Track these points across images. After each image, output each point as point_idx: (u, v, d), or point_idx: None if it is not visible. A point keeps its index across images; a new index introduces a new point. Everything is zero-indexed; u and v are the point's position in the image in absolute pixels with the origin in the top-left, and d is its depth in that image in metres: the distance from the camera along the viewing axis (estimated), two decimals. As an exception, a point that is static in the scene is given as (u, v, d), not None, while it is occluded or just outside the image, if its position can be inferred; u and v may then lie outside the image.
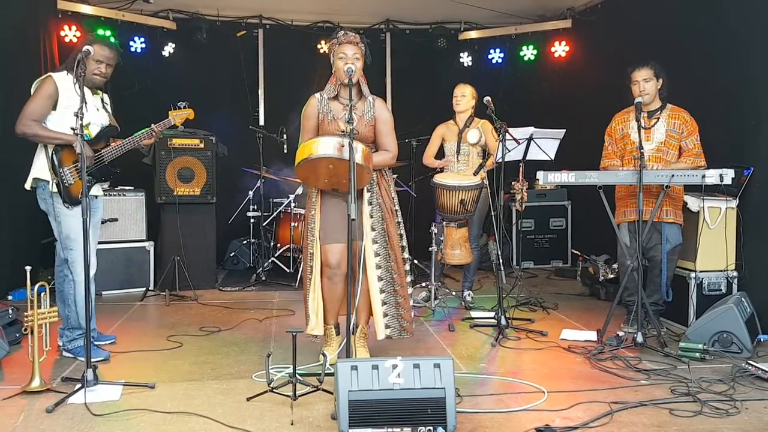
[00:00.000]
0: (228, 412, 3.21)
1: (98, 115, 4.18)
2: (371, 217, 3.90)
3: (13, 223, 5.56)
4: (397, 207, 4.07)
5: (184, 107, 4.49)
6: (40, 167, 4.02)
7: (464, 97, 5.53)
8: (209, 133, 6.28)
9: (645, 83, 4.57)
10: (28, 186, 4.07)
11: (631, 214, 4.64)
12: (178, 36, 7.32)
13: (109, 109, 4.31)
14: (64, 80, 3.98)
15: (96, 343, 4.23)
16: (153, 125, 4.30)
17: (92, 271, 3.96)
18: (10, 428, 3.04)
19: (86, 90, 3.94)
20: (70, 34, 6.53)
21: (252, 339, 4.60)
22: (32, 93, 3.99)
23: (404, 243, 4.08)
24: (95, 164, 4.08)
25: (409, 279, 4.06)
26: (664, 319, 4.83)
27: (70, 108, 3.80)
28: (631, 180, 4.40)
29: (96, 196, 4.28)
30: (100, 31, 6.66)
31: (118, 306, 5.58)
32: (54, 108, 3.96)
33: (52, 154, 3.95)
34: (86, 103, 3.74)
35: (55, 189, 3.95)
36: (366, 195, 3.90)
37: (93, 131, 4.13)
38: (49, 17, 6.43)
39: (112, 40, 6.42)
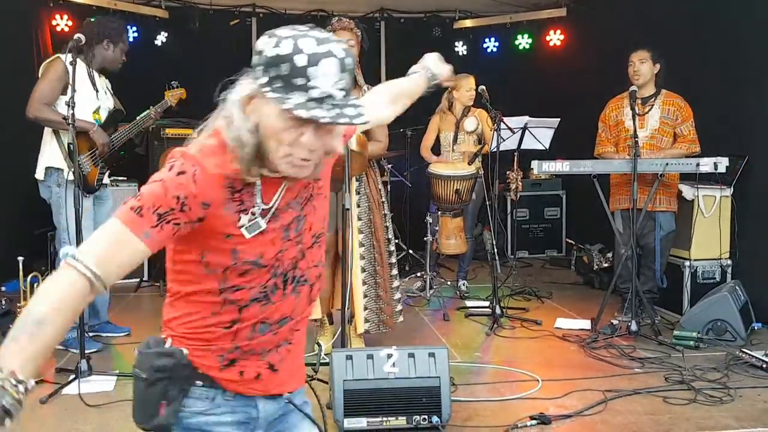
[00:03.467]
0: (223, 402, 3.20)
1: (106, 99, 4.18)
2: (358, 206, 3.88)
3: (5, 213, 5.52)
4: (383, 199, 4.03)
5: (177, 86, 4.57)
6: (53, 155, 3.93)
7: (475, 89, 5.44)
8: (203, 122, 6.23)
9: (640, 64, 4.56)
10: (41, 176, 3.96)
11: (624, 202, 4.64)
12: (170, 25, 7.24)
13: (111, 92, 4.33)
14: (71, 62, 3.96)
15: (107, 334, 4.27)
16: (152, 108, 4.33)
17: None
18: (4, 419, 3.02)
19: (95, 74, 4.04)
20: (62, 23, 6.46)
21: (247, 329, 4.59)
22: (40, 75, 3.94)
23: (390, 235, 4.05)
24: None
25: (394, 272, 4.03)
26: (658, 307, 4.84)
27: (79, 92, 3.81)
28: (626, 168, 4.40)
29: (105, 185, 4.27)
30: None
31: (112, 297, 5.53)
32: (64, 92, 3.84)
33: (69, 142, 3.87)
34: (98, 89, 3.97)
35: (71, 177, 3.81)
36: (354, 184, 3.88)
37: (103, 116, 4.12)
38: (40, 6, 6.36)
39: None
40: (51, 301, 1.20)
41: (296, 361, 1.51)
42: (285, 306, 1.42)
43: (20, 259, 3.59)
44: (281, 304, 1.41)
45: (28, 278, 3.50)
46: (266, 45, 1.27)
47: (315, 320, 3.98)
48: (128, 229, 1.26)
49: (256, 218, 1.35)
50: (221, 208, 1.31)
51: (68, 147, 3.87)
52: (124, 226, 1.26)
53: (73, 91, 3.48)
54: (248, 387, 1.42)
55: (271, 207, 1.37)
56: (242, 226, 1.33)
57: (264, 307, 1.39)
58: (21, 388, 1.14)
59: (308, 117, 1.22)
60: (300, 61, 1.22)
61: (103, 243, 1.27)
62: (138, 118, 4.27)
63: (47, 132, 3.97)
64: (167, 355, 1.37)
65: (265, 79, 1.25)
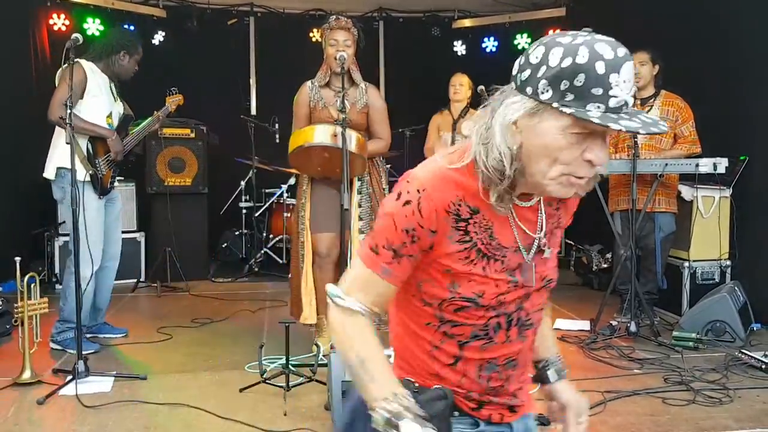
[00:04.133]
0: (220, 403, 3.19)
1: (117, 105, 4.26)
2: (360, 206, 3.87)
3: (2, 213, 5.51)
4: None
5: (175, 93, 4.72)
6: (66, 156, 3.93)
7: (462, 86, 5.52)
8: (200, 122, 6.22)
9: (640, 66, 4.56)
10: (51, 176, 4.01)
11: (623, 203, 4.63)
12: (168, 24, 7.23)
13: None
14: (90, 68, 4.01)
15: (104, 335, 4.28)
16: (156, 112, 4.44)
17: (96, 267, 3.98)
18: (2, 420, 3.01)
19: (107, 79, 4.14)
20: (59, 22, 6.45)
21: (245, 330, 4.58)
22: (59, 79, 3.97)
23: None
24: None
25: None
26: (658, 308, 4.83)
27: (97, 97, 4.00)
28: (625, 169, 4.39)
29: (115, 186, 4.37)
30: (92, 20, 6.59)
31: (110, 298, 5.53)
32: (81, 96, 3.93)
33: (87, 145, 4.01)
34: (113, 94, 4.15)
35: (88, 179, 3.97)
36: (356, 183, 3.88)
37: (114, 120, 4.22)
38: (38, 6, 6.35)
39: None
40: (368, 346, 1.32)
41: (525, 395, 1.44)
42: (510, 348, 1.34)
43: (17, 259, 3.57)
44: (505, 345, 1.33)
45: (25, 279, 3.47)
46: (551, 56, 1.15)
47: (311, 325, 3.98)
48: (370, 270, 1.29)
49: (483, 256, 1.27)
50: (445, 237, 1.25)
51: (88, 150, 4.01)
52: (367, 268, 1.30)
53: (71, 90, 3.47)
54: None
55: (504, 247, 1.28)
56: (466, 259, 1.26)
57: (486, 345, 1.31)
58: (408, 400, 1.23)
59: (627, 130, 1.11)
60: (600, 68, 1.13)
61: (361, 284, 1.31)
62: (144, 123, 4.38)
63: (58, 133, 3.97)
64: (441, 398, 1.31)
65: (549, 94, 1.15)
